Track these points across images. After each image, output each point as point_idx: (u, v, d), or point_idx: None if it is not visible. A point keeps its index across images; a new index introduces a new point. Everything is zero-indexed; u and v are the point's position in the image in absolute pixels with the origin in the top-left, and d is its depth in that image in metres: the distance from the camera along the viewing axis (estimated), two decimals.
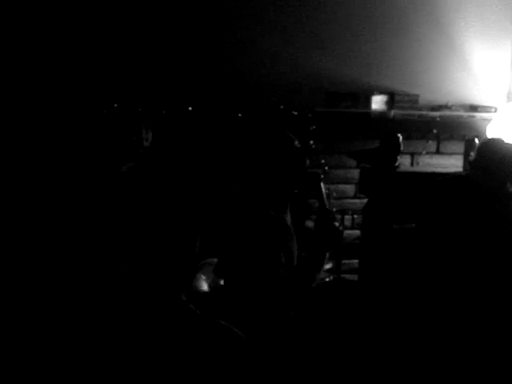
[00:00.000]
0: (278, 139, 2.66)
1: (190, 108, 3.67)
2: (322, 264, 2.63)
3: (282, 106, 3.81)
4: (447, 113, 4.14)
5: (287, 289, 2.51)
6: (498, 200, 3.02)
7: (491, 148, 3.09)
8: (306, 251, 2.70)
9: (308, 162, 2.65)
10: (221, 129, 3.76)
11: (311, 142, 3.86)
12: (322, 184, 2.71)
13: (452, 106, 4.15)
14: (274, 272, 2.46)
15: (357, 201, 4.09)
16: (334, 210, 3.84)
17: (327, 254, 2.60)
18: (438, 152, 4.25)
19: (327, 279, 3.49)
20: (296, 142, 2.67)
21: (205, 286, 3.14)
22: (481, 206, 2.98)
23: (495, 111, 4.17)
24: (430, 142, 4.22)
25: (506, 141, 3.20)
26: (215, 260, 3.07)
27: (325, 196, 2.68)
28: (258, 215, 2.53)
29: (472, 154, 3.44)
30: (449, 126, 4.19)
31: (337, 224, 2.64)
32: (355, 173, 4.02)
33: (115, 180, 2.68)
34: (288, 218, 2.72)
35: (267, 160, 2.62)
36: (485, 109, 4.19)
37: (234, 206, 2.63)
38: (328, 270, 3.49)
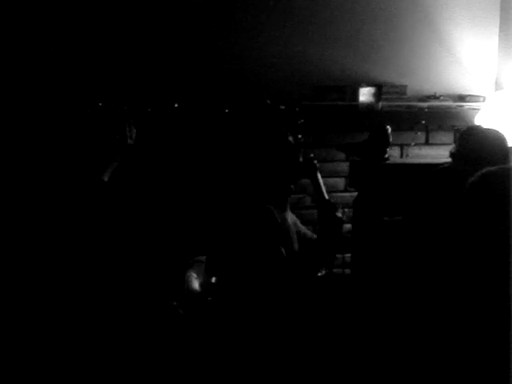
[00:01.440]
0: (271, 134, 2.63)
1: (175, 105, 3.63)
2: (329, 255, 2.61)
3: (268, 101, 3.78)
4: (435, 103, 4.13)
5: (289, 282, 2.49)
6: None
7: (471, 137, 3.08)
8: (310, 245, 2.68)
9: (301, 154, 2.63)
10: (208, 125, 3.73)
11: (299, 135, 3.83)
12: (318, 173, 2.68)
13: (440, 96, 4.14)
14: (276, 265, 2.43)
15: (347, 194, 4.07)
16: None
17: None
18: (427, 143, 4.24)
19: (319, 274, 3.46)
20: (290, 137, 2.65)
21: (196, 285, 3.11)
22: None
23: (483, 100, 4.15)
24: (419, 133, 4.20)
25: (485, 127, 3.19)
26: (205, 258, 3.04)
27: (322, 186, 2.66)
28: (256, 210, 2.50)
29: (453, 145, 3.41)
30: (437, 116, 4.17)
31: (339, 214, 2.62)
32: (345, 166, 4.00)
33: (100, 181, 2.63)
34: (289, 216, 2.67)
35: (262, 156, 2.59)
36: (473, 98, 4.17)
37: (232, 203, 2.60)
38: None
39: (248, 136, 2.70)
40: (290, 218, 2.78)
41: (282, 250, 2.50)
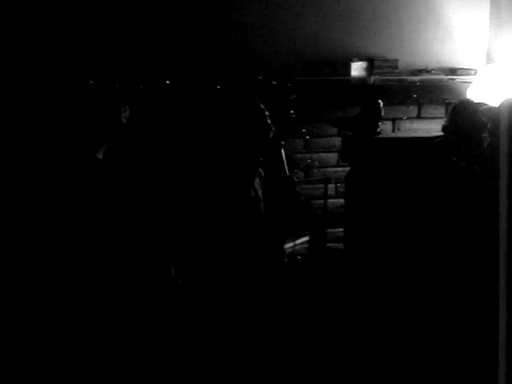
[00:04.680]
0: (247, 108, 2.70)
1: (167, 82, 3.62)
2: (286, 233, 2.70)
3: (260, 77, 3.77)
4: (427, 77, 4.12)
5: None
6: (476, 162, 3.03)
7: (463, 111, 3.10)
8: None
9: (274, 129, 2.70)
10: (199, 101, 3.72)
11: (291, 111, 3.83)
12: (282, 150, 2.78)
13: (432, 69, 4.13)
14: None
15: (339, 169, 4.08)
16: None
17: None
18: (419, 117, 4.24)
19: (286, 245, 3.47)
20: (266, 112, 2.71)
21: None
22: (459, 169, 3.00)
23: (475, 73, 4.15)
24: (411, 106, 4.20)
25: (476, 101, 3.21)
26: None
27: (285, 162, 2.75)
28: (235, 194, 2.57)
29: (445, 119, 3.43)
30: (429, 90, 4.17)
31: (297, 189, 2.73)
32: (337, 141, 4.00)
33: (94, 158, 2.64)
34: (255, 186, 2.75)
35: (236, 127, 2.66)
36: (464, 71, 4.17)
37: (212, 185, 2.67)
38: (305, 242, 3.48)
39: (226, 110, 2.78)
40: (257, 188, 2.85)
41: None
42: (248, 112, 2.70)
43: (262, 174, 2.88)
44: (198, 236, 2.63)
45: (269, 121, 2.72)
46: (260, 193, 2.80)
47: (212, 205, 2.63)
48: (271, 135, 2.72)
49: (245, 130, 2.67)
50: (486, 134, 2.99)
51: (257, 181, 2.80)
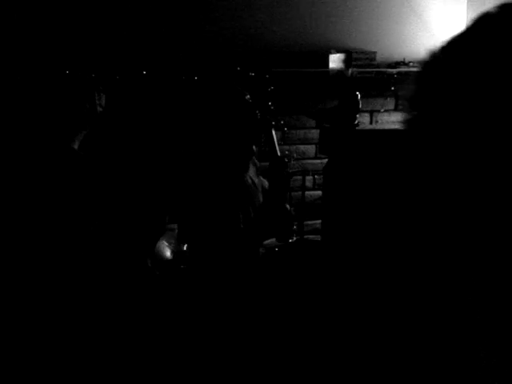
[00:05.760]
0: (227, 94, 2.66)
1: (144, 72, 3.60)
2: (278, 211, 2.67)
3: (238, 68, 3.76)
4: (404, 69, 4.14)
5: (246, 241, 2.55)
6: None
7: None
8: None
9: (258, 113, 2.66)
10: (176, 92, 3.70)
11: (270, 103, 3.83)
12: (273, 130, 2.74)
13: (409, 62, 4.15)
14: (232, 230, 2.47)
15: (317, 161, 4.09)
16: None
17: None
18: (396, 109, 4.26)
19: (290, 240, 3.50)
20: (247, 96, 2.68)
21: (167, 253, 3.13)
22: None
23: None
24: (389, 99, 4.22)
25: None
26: (176, 226, 3.06)
27: (276, 142, 2.71)
28: (221, 178, 2.54)
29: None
30: (406, 82, 4.19)
31: (289, 172, 2.70)
32: (315, 133, 4.01)
33: (70, 149, 2.62)
34: (251, 175, 2.72)
35: (219, 115, 2.62)
36: None
37: (197, 170, 2.64)
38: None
39: (205, 98, 2.73)
40: (253, 177, 2.82)
41: (240, 215, 2.56)
42: (229, 96, 2.66)
43: (257, 162, 2.85)
44: (184, 225, 2.61)
45: (251, 101, 2.68)
46: (257, 181, 2.78)
47: (199, 195, 2.60)
48: (258, 115, 2.69)
49: (229, 114, 2.63)
50: None
51: (252, 169, 2.77)
